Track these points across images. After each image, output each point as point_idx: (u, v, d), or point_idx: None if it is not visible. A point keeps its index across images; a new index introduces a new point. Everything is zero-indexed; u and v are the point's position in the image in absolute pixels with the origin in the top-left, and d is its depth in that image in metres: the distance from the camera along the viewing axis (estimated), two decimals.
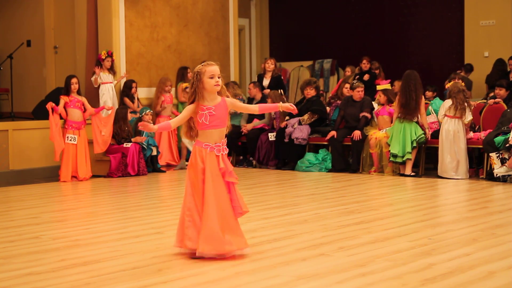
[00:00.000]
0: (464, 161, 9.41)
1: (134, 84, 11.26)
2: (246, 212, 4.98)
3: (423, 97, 9.94)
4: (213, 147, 4.89)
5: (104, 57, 10.96)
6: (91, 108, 10.06)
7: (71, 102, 9.90)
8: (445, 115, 9.51)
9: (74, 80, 9.95)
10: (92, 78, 11.04)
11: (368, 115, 10.45)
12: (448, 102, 9.52)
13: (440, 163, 9.52)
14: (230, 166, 4.94)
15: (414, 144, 9.62)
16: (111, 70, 11.09)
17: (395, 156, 9.67)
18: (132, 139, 10.29)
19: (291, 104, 5.28)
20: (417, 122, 9.75)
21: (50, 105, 9.73)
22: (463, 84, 9.81)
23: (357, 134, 10.24)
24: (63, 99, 9.88)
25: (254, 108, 5.22)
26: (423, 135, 9.69)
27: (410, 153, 9.60)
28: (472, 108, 9.61)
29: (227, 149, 4.99)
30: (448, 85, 10.11)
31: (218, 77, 4.88)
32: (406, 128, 9.70)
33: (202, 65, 4.91)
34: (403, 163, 9.70)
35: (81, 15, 11.65)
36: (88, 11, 11.50)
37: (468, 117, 9.47)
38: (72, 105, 9.89)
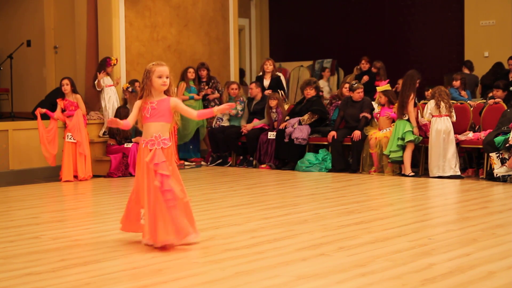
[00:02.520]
0: (455, 159, 9.41)
1: (137, 84, 11.25)
2: (183, 199, 5.14)
3: (412, 95, 9.71)
4: (147, 142, 5.14)
5: (112, 64, 10.94)
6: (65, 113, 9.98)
7: (66, 107, 9.93)
8: (432, 115, 9.51)
9: (64, 82, 9.99)
10: (95, 82, 11.01)
11: (368, 115, 10.44)
12: (432, 103, 9.54)
13: (430, 162, 9.51)
14: (161, 159, 5.08)
15: (404, 140, 9.57)
16: (109, 74, 11.13)
17: (387, 155, 9.72)
18: (133, 139, 10.29)
19: (227, 104, 5.48)
20: (408, 120, 9.71)
21: (39, 111, 9.83)
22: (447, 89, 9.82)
23: (357, 134, 10.24)
24: (59, 104, 9.94)
25: (193, 113, 5.42)
26: (410, 132, 9.61)
27: (398, 151, 9.59)
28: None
29: (167, 143, 5.17)
30: (428, 92, 10.10)
31: (166, 77, 5.19)
32: (397, 126, 9.72)
33: (153, 65, 5.23)
34: (400, 162, 9.70)
35: (81, 15, 11.63)
36: (88, 11, 11.49)
37: (453, 117, 9.49)
38: (68, 111, 9.91)
